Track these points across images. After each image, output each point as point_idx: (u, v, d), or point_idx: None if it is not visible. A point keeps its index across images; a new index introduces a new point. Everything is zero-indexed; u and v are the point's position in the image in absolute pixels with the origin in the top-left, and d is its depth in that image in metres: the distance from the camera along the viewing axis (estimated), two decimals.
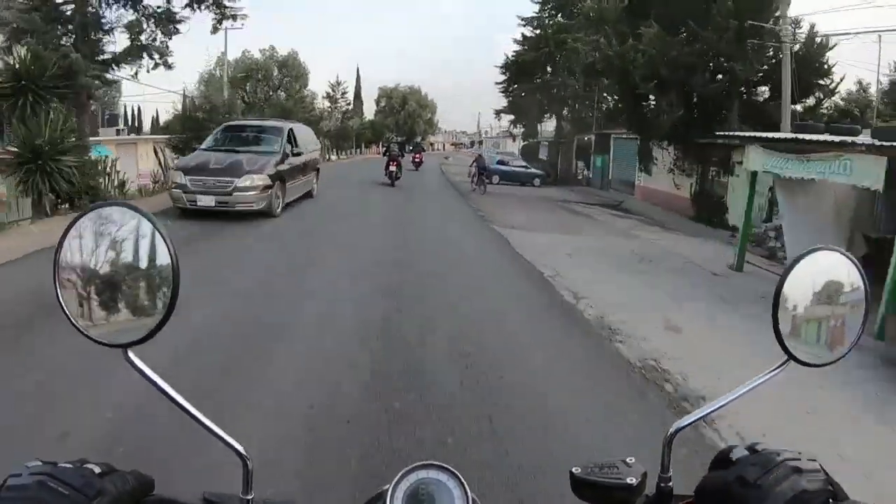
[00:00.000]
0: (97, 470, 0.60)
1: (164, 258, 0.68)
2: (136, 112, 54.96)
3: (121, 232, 0.68)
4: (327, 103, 51.50)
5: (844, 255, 0.81)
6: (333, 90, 53.81)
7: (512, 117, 40.97)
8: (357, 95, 66.89)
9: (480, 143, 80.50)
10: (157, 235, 0.68)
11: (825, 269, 0.80)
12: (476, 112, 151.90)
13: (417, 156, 33.45)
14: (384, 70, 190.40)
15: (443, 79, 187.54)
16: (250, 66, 46.94)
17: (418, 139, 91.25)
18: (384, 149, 27.41)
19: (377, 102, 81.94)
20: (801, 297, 0.79)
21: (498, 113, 40.73)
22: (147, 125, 54.06)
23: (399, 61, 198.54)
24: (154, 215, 0.68)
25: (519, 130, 44.20)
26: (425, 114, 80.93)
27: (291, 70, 52.75)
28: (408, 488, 0.70)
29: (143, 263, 0.68)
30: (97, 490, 0.57)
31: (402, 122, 78.11)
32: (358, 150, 63.47)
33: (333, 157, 46.70)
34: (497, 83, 37.25)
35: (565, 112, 35.92)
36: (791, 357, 0.79)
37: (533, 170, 33.75)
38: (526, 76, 35.83)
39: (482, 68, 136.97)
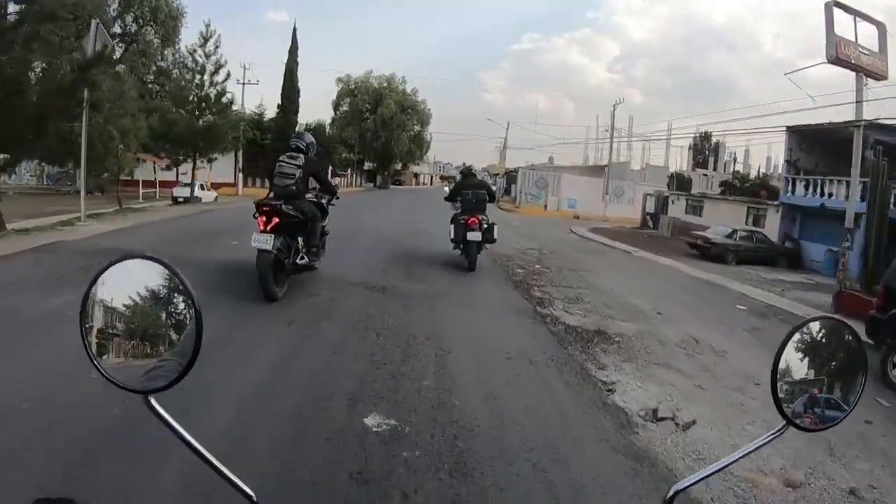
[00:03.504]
0: None
1: (188, 309, 0.74)
2: None
3: (146, 283, 0.74)
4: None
5: (842, 322, 0.87)
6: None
7: None
8: (290, 86, 38.83)
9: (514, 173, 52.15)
10: (181, 287, 0.74)
11: (821, 336, 0.87)
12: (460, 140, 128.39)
13: (474, 219, 9.35)
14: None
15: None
16: None
17: (397, 165, 64.16)
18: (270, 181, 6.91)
19: (336, 107, 54.31)
20: (799, 364, 0.86)
21: None
22: None
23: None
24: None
25: None
26: (411, 123, 53.08)
27: None
28: None
29: (168, 313, 0.74)
30: None
31: (374, 133, 50.12)
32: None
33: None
34: None
35: None
36: (790, 423, 0.84)
37: None
38: None
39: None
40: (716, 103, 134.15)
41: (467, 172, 11.36)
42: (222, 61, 22.14)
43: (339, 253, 8.22)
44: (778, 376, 0.84)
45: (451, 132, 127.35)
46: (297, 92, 38.82)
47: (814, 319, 0.87)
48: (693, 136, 63.37)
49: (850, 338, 0.88)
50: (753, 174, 38.03)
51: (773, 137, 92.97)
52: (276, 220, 6.03)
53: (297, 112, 37.92)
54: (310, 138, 7.04)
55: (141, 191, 25.67)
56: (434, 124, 59.42)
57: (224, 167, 35.44)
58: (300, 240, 6.58)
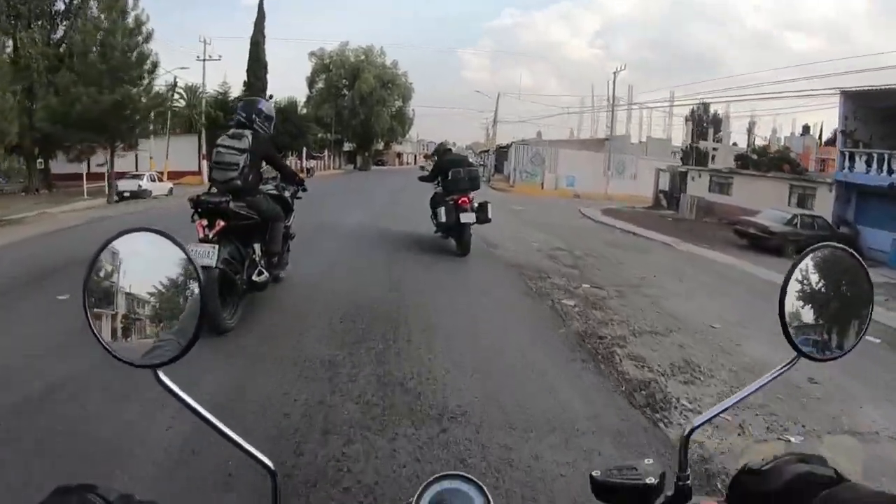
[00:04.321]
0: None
1: (192, 282, 0.72)
2: None
3: (150, 256, 0.72)
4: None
5: (847, 251, 0.85)
6: None
7: None
8: (256, 60, 35.08)
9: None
10: (186, 260, 0.72)
11: (829, 266, 0.85)
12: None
13: (465, 199, 8.62)
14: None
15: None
16: None
17: (379, 145, 60.06)
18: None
19: (310, 84, 50.36)
20: (806, 295, 0.84)
21: None
22: None
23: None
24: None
25: None
26: (392, 99, 49.25)
27: None
28: (431, 499, 0.74)
29: (172, 287, 0.72)
30: None
31: (352, 111, 46.39)
32: None
33: None
34: None
35: None
36: (800, 353, 0.83)
37: None
38: None
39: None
40: (703, 75, 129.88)
41: (445, 149, 10.38)
42: (144, 17, 17.93)
43: (259, 310, 5.12)
44: (786, 308, 0.82)
45: (434, 109, 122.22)
46: (265, 67, 35.18)
47: (818, 248, 0.85)
48: (692, 106, 60.62)
49: (855, 266, 0.85)
50: (747, 149, 34.90)
51: (779, 106, 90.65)
52: (220, 223, 4.59)
53: (264, 89, 34.22)
54: (260, 105, 5.30)
55: (85, 186, 22.14)
56: (416, 101, 55.86)
57: (186, 154, 31.90)
58: (257, 248, 5.20)
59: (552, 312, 6.27)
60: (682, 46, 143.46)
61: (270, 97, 32.41)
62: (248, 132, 4.96)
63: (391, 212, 14.85)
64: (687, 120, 59.06)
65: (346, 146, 53.18)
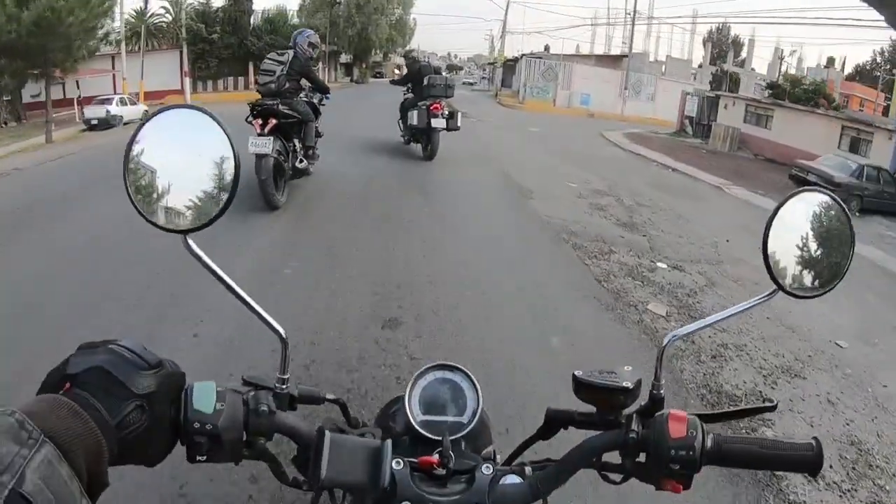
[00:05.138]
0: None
1: (228, 156, 0.76)
2: None
3: (190, 131, 0.76)
4: None
5: (830, 195, 0.86)
6: None
7: None
8: None
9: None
10: (223, 136, 0.75)
11: (812, 208, 0.86)
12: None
13: (437, 105, 9.28)
14: None
15: None
16: None
17: (377, 56, 56.24)
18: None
19: None
20: (790, 234, 0.85)
21: None
22: None
23: None
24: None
25: None
26: (391, 6, 45.11)
27: None
28: (423, 390, 0.83)
29: (209, 159, 0.76)
30: (158, 361, 0.66)
31: (348, 19, 42.59)
32: None
33: None
34: None
35: None
36: (780, 287, 0.85)
37: None
38: None
39: None
40: None
41: (415, 59, 10.52)
42: None
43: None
44: (769, 244, 0.83)
45: (436, 18, 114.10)
46: None
47: (802, 191, 0.85)
48: (711, 26, 57.01)
49: (838, 209, 0.87)
50: (778, 78, 31.80)
51: (805, 35, 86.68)
52: (272, 121, 6.02)
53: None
54: (306, 34, 6.84)
55: (49, 113, 19.63)
56: (417, 9, 51.62)
57: (167, 71, 29.05)
58: (296, 142, 6.62)
59: (651, 345, 4.48)
60: None
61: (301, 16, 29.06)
62: (290, 52, 6.46)
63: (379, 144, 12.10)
64: (705, 41, 55.56)
65: (343, 58, 49.54)
